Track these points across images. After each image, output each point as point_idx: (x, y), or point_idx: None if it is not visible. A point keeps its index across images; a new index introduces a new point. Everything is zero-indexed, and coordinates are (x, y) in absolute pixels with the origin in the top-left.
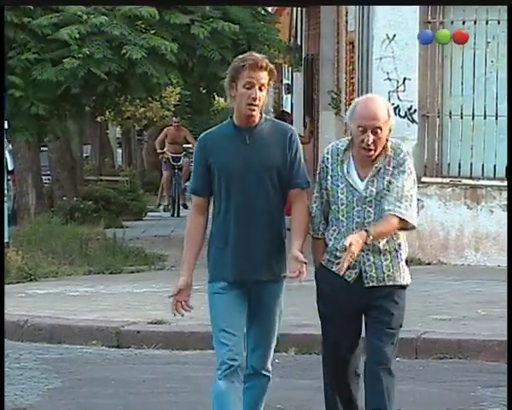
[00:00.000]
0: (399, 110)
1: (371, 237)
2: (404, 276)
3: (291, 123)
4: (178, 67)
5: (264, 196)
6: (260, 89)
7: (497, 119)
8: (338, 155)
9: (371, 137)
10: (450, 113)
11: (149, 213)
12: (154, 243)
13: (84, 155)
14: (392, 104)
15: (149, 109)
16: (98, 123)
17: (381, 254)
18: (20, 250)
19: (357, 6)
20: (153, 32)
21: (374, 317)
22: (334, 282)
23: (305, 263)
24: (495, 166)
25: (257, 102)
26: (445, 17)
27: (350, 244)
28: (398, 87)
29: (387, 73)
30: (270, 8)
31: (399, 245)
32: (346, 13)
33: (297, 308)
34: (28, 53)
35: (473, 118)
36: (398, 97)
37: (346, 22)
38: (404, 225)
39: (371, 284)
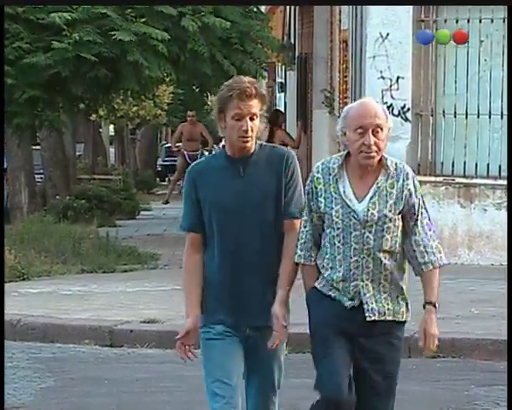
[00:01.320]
0: (393, 109)
1: (437, 305)
2: (404, 310)
3: (284, 121)
4: (171, 61)
5: (260, 234)
6: (252, 119)
7: (490, 117)
8: (330, 174)
9: (372, 138)
10: (444, 111)
11: (142, 212)
12: (147, 242)
13: (77, 153)
14: (386, 103)
15: (142, 108)
16: (91, 122)
17: (380, 286)
18: (12, 249)
19: (351, 4)
20: (143, 21)
21: (366, 356)
22: (331, 306)
23: (286, 327)
24: (488, 164)
25: (249, 134)
26: (439, 16)
27: (427, 333)
28: (391, 86)
29: (381, 72)
30: (263, 7)
31: (402, 275)
32: (340, 11)
33: (290, 307)
34: (20, 42)
35: (466, 116)
36: (392, 96)
37: (340, 21)
38: None
39: (372, 318)
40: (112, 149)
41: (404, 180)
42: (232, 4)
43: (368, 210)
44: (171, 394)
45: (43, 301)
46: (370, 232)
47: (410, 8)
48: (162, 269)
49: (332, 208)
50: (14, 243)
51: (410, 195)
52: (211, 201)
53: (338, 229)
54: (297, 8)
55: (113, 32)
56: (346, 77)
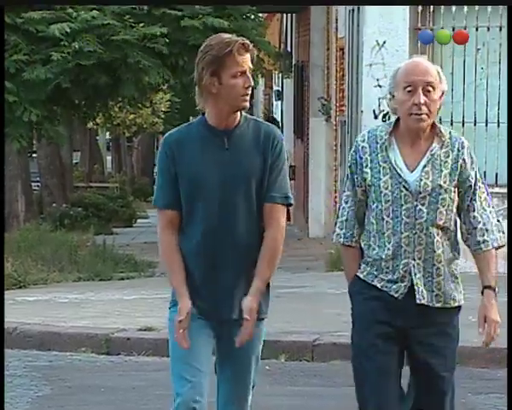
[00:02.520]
0: (389, 117)
1: (496, 289)
2: (457, 294)
3: (279, 129)
4: (169, 66)
5: (244, 214)
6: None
7: (487, 125)
8: (377, 142)
9: (422, 97)
10: (441, 119)
11: (139, 220)
12: (144, 250)
13: (74, 161)
14: (382, 111)
15: (139, 116)
16: (88, 130)
17: (433, 267)
18: (9, 257)
19: (348, 12)
20: (142, 25)
21: (421, 353)
22: (378, 297)
23: (259, 319)
24: (485, 172)
25: (249, 91)
26: (435, 24)
27: (489, 320)
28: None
29: (377, 80)
30: (260, 15)
31: (455, 256)
32: (336, 19)
33: (287, 315)
34: (19, 54)
35: (463, 125)
36: (388, 104)
37: (336, 29)
38: None
39: (422, 302)
40: (109, 157)
41: (459, 150)
42: (232, 4)
43: (421, 180)
44: (168, 402)
45: (40, 309)
46: (423, 205)
47: (407, 16)
48: (159, 277)
49: (380, 179)
50: (11, 251)
51: (466, 166)
52: (190, 175)
53: (387, 202)
54: (294, 16)
55: (113, 38)
56: (342, 85)
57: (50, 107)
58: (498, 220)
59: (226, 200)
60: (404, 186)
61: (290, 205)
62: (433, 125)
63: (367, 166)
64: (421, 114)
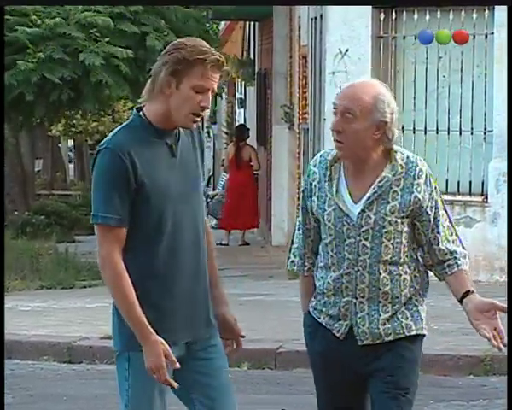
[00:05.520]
0: None
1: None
2: (413, 324)
3: (249, 136)
4: (129, 81)
5: (197, 227)
6: (211, 93)
7: (449, 133)
8: (326, 168)
9: (337, 123)
10: (403, 127)
11: None
12: None
13: (36, 169)
14: None
15: (102, 123)
16: (50, 137)
17: (379, 305)
18: None
19: (311, 20)
20: (107, 40)
21: (377, 378)
22: (323, 337)
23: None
24: (447, 180)
25: (202, 114)
26: (398, 32)
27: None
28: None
29: (340, 88)
30: (222, 23)
31: (415, 288)
32: (299, 27)
33: (249, 323)
34: None
35: (425, 132)
36: None
37: (299, 37)
38: None
39: (365, 343)
40: (71, 165)
41: (414, 178)
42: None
43: (363, 212)
44: None
45: None
46: (367, 239)
47: (369, 24)
48: None
49: (324, 211)
50: None
51: (423, 197)
52: (152, 186)
53: (330, 236)
54: (256, 24)
55: (79, 55)
56: (305, 93)
57: (10, 115)
58: (463, 247)
59: (184, 212)
60: (345, 220)
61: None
62: (387, 150)
63: (315, 194)
64: (337, 142)
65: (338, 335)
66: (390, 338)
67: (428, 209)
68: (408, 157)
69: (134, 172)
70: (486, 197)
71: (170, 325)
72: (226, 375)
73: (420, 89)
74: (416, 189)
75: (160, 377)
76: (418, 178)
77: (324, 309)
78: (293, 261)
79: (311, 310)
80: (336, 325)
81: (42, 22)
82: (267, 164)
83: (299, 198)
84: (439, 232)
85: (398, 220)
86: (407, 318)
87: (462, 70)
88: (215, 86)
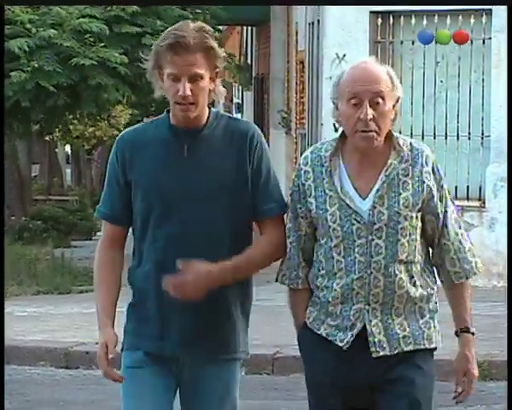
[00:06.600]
0: None
1: (473, 330)
2: (432, 334)
3: None
4: (129, 83)
5: (208, 239)
6: (193, 79)
7: (446, 138)
8: (322, 164)
9: (369, 111)
10: (400, 132)
11: (99, 233)
12: None
13: (33, 174)
14: None
15: (99, 129)
16: (47, 142)
17: (392, 309)
18: None
19: (308, 25)
20: (102, 45)
21: (389, 392)
22: (325, 350)
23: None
24: None
25: (190, 100)
26: (395, 37)
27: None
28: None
29: None
30: (220, 27)
31: (428, 291)
32: (296, 32)
33: None
34: None
35: (422, 137)
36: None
37: (296, 41)
38: None
39: (381, 354)
40: (68, 170)
41: (422, 165)
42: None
43: (374, 208)
44: None
45: None
46: (380, 238)
47: (367, 29)
48: None
49: (326, 211)
50: None
51: (433, 186)
52: (145, 186)
53: (337, 238)
54: (254, 29)
55: (72, 60)
56: (302, 98)
57: (8, 121)
58: (471, 243)
59: (185, 221)
60: (355, 218)
61: (286, 210)
62: (389, 136)
63: (311, 194)
64: (369, 132)
65: (341, 345)
66: (410, 348)
67: (438, 200)
68: (411, 143)
69: (125, 168)
70: (484, 202)
71: (150, 331)
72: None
73: (417, 94)
74: (427, 177)
75: (100, 367)
76: (426, 165)
77: (328, 320)
78: (284, 275)
79: (308, 322)
80: (340, 334)
81: (37, 31)
82: None
83: None
84: (446, 225)
85: (413, 215)
86: (430, 328)
87: (459, 75)
88: (192, 70)
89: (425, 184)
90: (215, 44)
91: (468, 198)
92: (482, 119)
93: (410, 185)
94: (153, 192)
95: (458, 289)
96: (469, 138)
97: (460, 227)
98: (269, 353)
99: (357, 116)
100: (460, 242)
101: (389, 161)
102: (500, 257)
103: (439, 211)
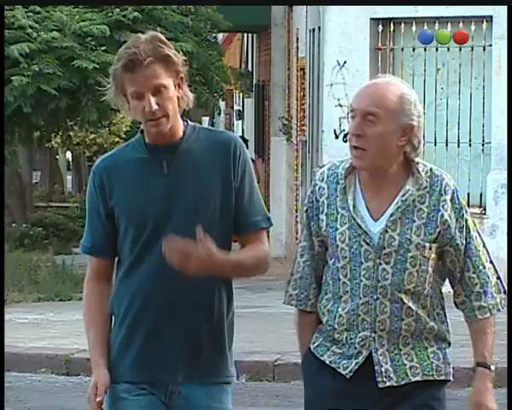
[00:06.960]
0: None
1: (492, 368)
2: (442, 365)
3: (247, 149)
4: None
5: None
6: (157, 92)
7: (447, 145)
8: (338, 182)
9: (355, 128)
10: None
11: None
12: None
13: (34, 181)
14: (343, 130)
15: (99, 136)
16: (48, 149)
17: (400, 337)
18: None
19: (309, 32)
20: (103, 49)
21: None
22: (327, 377)
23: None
24: None
25: (159, 114)
26: (396, 44)
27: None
28: (349, 113)
29: (338, 100)
30: (220, 35)
31: (438, 326)
32: (297, 39)
33: (247, 335)
34: None
35: (423, 144)
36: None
37: (297, 48)
38: None
39: (388, 384)
40: (69, 177)
41: (441, 194)
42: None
43: (386, 232)
44: None
45: None
46: (388, 264)
47: (368, 36)
48: None
49: (336, 230)
50: None
51: (450, 217)
52: (128, 209)
53: (344, 259)
54: (254, 36)
55: (73, 62)
56: (303, 104)
57: (9, 127)
58: (499, 277)
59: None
60: (364, 240)
61: (270, 225)
62: (409, 161)
63: (323, 211)
64: (356, 148)
65: (345, 373)
66: (417, 378)
67: (457, 231)
68: (431, 170)
69: (104, 196)
70: (485, 209)
71: (129, 361)
72: None
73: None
74: (443, 206)
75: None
76: (445, 193)
77: (333, 347)
78: (291, 295)
79: (311, 347)
80: (344, 362)
81: (38, 35)
82: (265, 176)
83: (297, 210)
84: (470, 257)
85: (426, 245)
86: (439, 359)
87: (460, 82)
88: (152, 83)
89: (439, 213)
90: (171, 51)
91: (468, 205)
92: (483, 125)
93: (425, 214)
94: (136, 215)
95: (482, 325)
96: (470, 145)
97: (487, 260)
98: (270, 360)
99: (350, 131)
100: (487, 275)
101: (407, 187)
102: (501, 264)
103: (459, 242)
